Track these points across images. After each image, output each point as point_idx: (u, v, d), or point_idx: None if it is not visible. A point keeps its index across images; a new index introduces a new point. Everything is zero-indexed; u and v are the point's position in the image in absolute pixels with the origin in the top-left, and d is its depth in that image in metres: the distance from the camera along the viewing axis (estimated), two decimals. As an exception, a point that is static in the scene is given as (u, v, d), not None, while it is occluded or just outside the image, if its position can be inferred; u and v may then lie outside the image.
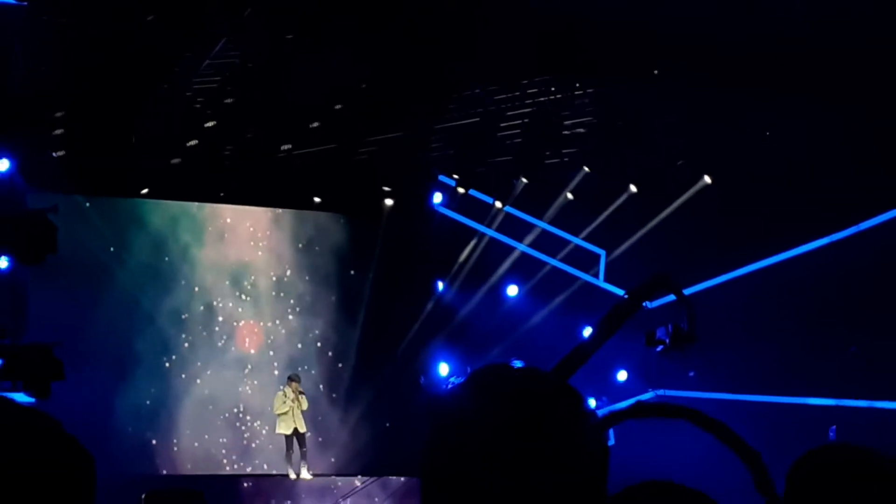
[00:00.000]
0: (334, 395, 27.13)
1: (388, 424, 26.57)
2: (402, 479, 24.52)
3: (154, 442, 25.53)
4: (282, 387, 24.70)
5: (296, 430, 24.34)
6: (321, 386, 26.87)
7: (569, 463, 2.11)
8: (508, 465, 2.08)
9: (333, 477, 25.71)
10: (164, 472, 25.35)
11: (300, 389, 24.50)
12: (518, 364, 2.26)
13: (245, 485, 24.11)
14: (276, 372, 26.59)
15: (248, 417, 26.54)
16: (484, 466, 2.08)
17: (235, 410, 26.49)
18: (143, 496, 19.89)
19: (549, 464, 2.10)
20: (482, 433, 2.10)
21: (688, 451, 22.82)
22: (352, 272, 27.57)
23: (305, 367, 26.53)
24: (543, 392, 2.18)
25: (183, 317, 26.16)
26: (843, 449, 3.61)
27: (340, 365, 27.40)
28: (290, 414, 24.30)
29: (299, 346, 27.23)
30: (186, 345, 26.14)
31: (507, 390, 2.17)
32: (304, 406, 24.45)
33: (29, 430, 2.22)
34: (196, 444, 26.03)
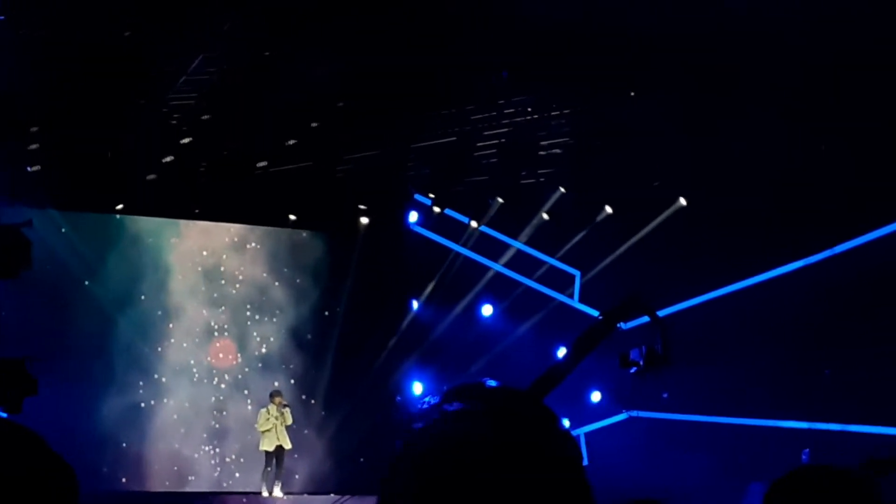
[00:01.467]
0: (308, 413, 27.06)
1: (361, 442, 26.49)
2: (371, 498, 24.46)
3: (127, 458, 25.43)
4: (268, 406, 24.57)
5: (279, 447, 24.28)
6: (294, 404, 26.80)
7: (544, 482, 2.10)
8: (485, 484, 2.07)
9: (306, 496, 25.66)
10: (136, 488, 25.24)
11: (284, 403, 24.46)
12: (492, 383, 2.24)
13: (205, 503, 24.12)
14: (250, 388, 26.53)
15: (223, 434, 26.46)
16: (454, 487, 2.07)
17: (209, 426, 26.40)
18: None
19: (523, 483, 2.08)
20: (454, 453, 2.08)
21: (680, 467, 22.91)
22: (327, 290, 27.53)
23: (277, 384, 26.45)
24: (518, 411, 2.17)
25: (155, 332, 26.08)
26: (821, 471, 3.62)
27: (315, 383, 27.35)
28: (273, 431, 24.24)
29: (274, 363, 27.16)
30: (159, 360, 26.05)
31: (481, 409, 2.15)
32: (289, 421, 24.39)
33: (10, 443, 2.21)
34: (169, 461, 25.93)
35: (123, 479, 25.19)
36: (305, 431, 26.79)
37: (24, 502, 2.16)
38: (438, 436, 2.14)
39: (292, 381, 27.11)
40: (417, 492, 2.08)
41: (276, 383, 26.06)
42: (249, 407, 26.05)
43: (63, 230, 24.54)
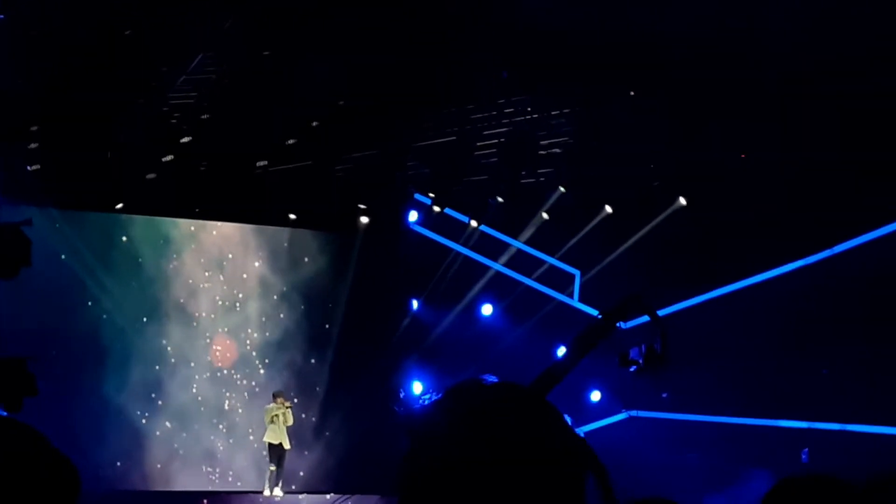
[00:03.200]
0: (307, 412, 27.05)
1: (361, 442, 26.49)
2: (374, 497, 24.50)
3: (127, 457, 25.42)
4: (271, 405, 24.77)
5: (280, 445, 24.43)
6: (293, 404, 26.79)
7: (548, 475, 2.12)
8: (488, 479, 2.08)
9: (305, 494, 25.66)
10: (135, 487, 25.23)
11: (287, 404, 24.56)
12: (492, 379, 2.26)
13: (206, 501, 24.13)
14: (249, 387, 26.53)
15: (223, 433, 26.46)
16: (464, 482, 2.09)
17: (209, 425, 26.40)
18: None
19: (529, 477, 2.10)
20: (461, 449, 2.11)
21: (679, 466, 22.92)
22: (327, 289, 27.51)
23: (279, 384, 26.45)
24: (521, 406, 2.19)
25: (155, 331, 26.07)
26: (815, 480, 3.63)
27: (313, 382, 27.34)
28: (277, 425, 24.41)
29: (273, 362, 27.16)
30: (160, 359, 26.04)
31: (485, 405, 2.17)
32: (290, 421, 24.53)
33: (12, 440, 2.22)
34: (169, 459, 25.92)
35: (125, 478, 25.17)
36: (306, 430, 26.79)
37: (27, 497, 2.17)
38: (444, 433, 2.16)
39: (293, 380, 27.09)
40: (429, 487, 2.11)
41: (266, 386, 26.03)
42: (246, 405, 26.00)
43: (63, 229, 24.52)
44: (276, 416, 24.48)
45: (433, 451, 2.14)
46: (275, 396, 24.75)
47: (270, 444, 24.50)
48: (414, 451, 2.18)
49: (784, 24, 18.74)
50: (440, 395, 2.26)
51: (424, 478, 2.13)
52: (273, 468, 24.47)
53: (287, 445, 24.50)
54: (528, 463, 2.11)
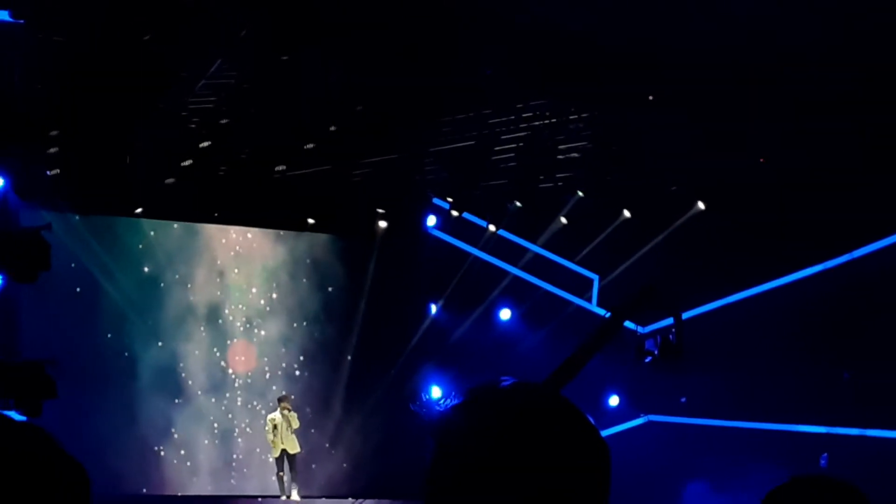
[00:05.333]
0: (326, 416, 27.07)
1: (380, 446, 26.50)
2: (392, 501, 24.50)
3: (144, 461, 25.45)
4: (273, 413, 24.69)
5: (284, 451, 24.33)
6: (312, 407, 26.80)
7: (573, 473, 2.13)
8: (511, 480, 2.10)
9: (323, 499, 25.68)
10: (154, 492, 25.27)
11: (288, 407, 24.51)
12: (510, 381, 2.27)
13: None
14: (269, 391, 26.54)
15: (240, 438, 26.49)
16: (487, 483, 2.10)
17: (226, 430, 26.42)
18: None
19: (552, 479, 2.11)
20: (487, 449, 2.13)
21: (697, 471, 22.89)
22: (344, 294, 27.53)
23: (296, 388, 26.48)
24: (546, 406, 2.20)
25: (174, 336, 26.10)
26: (814, 481, 3.64)
27: (333, 387, 27.35)
28: (278, 436, 24.33)
29: (291, 366, 27.18)
30: (178, 364, 26.07)
31: (505, 406, 2.18)
32: (296, 425, 24.45)
33: (25, 445, 2.22)
34: (187, 464, 25.96)
35: (141, 485, 25.21)
36: (323, 435, 26.81)
37: (35, 501, 2.17)
38: (465, 435, 2.17)
39: (311, 384, 27.12)
40: (453, 489, 2.13)
41: (284, 390, 25.97)
42: (263, 411, 26.00)
43: (82, 234, 24.57)
44: (276, 425, 24.38)
45: (457, 453, 2.16)
46: (279, 401, 24.72)
47: (275, 458, 24.49)
48: (438, 455, 2.19)
49: (807, 29, 18.72)
50: (460, 398, 2.27)
51: (449, 480, 2.15)
52: (281, 474, 24.43)
53: (293, 450, 24.40)
54: (551, 464, 2.13)
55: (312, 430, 26.05)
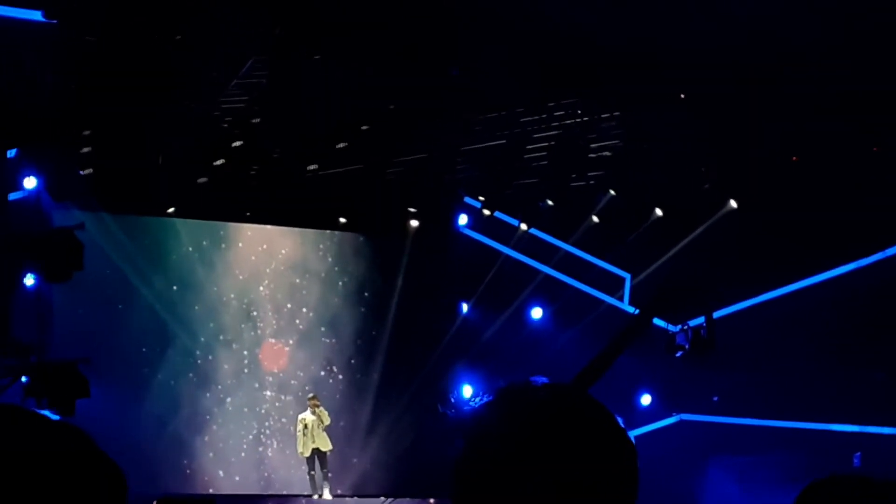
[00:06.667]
0: (358, 415, 27.09)
1: (411, 445, 26.51)
2: (423, 500, 24.51)
3: (176, 460, 25.53)
4: (304, 412, 24.74)
5: (316, 449, 24.35)
6: (345, 407, 26.83)
7: (600, 475, 2.13)
8: (541, 480, 2.10)
9: (356, 498, 25.70)
10: (186, 491, 25.32)
11: (317, 403, 24.53)
12: (542, 381, 2.27)
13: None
14: (302, 391, 26.57)
15: (272, 437, 26.53)
16: (517, 483, 2.11)
17: (258, 430, 26.47)
18: (154, 502, 19.92)
19: (582, 478, 2.12)
20: (517, 449, 2.13)
21: (728, 470, 22.83)
22: (376, 293, 27.55)
23: (329, 387, 26.52)
24: (574, 406, 2.20)
25: (207, 335, 26.17)
26: (847, 480, 3.61)
27: (365, 386, 27.37)
28: (308, 435, 24.34)
29: (323, 366, 27.22)
30: (211, 363, 26.14)
31: (537, 406, 2.19)
32: (327, 421, 24.46)
33: (65, 445, 2.22)
34: (219, 464, 26.02)
35: (173, 484, 25.27)
36: (356, 434, 26.83)
37: (75, 501, 2.17)
38: (497, 434, 2.18)
39: (343, 384, 27.15)
40: (483, 488, 2.13)
41: (314, 390, 25.98)
42: (291, 412, 26.01)
43: (115, 233, 24.65)
44: (307, 425, 24.40)
45: (486, 452, 2.16)
46: (308, 399, 24.76)
47: (306, 457, 24.50)
48: (467, 453, 2.20)
49: (807, 29, 18.66)
50: (491, 397, 2.28)
51: (478, 479, 2.16)
52: (313, 473, 24.45)
53: (326, 447, 24.43)
54: (578, 465, 2.13)
55: (345, 430, 26.06)
